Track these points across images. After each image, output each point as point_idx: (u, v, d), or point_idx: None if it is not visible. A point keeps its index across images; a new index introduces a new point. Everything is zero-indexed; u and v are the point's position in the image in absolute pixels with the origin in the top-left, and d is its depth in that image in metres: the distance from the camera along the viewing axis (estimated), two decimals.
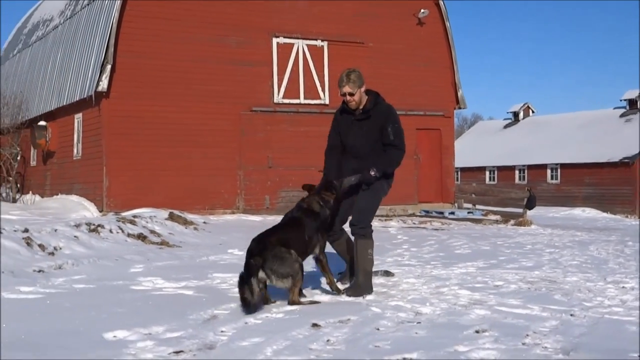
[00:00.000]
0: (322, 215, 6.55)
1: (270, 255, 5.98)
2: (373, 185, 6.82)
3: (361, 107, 6.99)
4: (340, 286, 6.76)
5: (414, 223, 18.35)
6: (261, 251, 5.99)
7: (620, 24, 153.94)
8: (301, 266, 6.11)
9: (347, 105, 7.03)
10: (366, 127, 6.93)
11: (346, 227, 7.14)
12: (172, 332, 4.92)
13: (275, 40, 20.45)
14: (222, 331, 4.99)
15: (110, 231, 10.99)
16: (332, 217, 6.79)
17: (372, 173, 6.75)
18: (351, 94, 6.90)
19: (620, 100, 45.46)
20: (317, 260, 6.58)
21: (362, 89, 6.97)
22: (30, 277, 7.41)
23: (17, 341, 4.60)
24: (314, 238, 6.41)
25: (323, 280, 6.86)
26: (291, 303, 6.01)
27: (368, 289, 6.65)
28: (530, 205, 20.79)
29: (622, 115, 44.27)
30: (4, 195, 21.50)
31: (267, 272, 5.93)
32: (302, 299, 6.19)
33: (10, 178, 21.81)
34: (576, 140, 43.97)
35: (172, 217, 13.97)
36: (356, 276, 6.77)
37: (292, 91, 20.65)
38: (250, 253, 6.04)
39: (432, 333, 4.99)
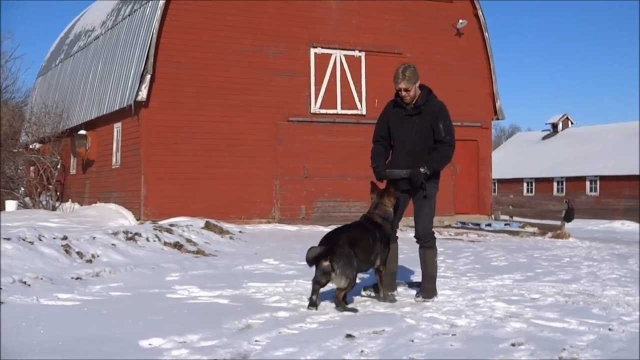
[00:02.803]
0: (385, 227, 6.80)
1: (339, 251, 6.27)
2: (428, 192, 6.96)
3: (414, 102, 7.11)
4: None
5: (450, 234, 18.23)
6: (331, 246, 6.31)
7: None
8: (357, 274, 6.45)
9: (400, 100, 7.15)
10: (418, 122, 7.05)
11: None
12: (206, 341, 4.95)
13: (313, 51, 20.53)
14: (256, 340, 5.00)
15: (147, 239, 11.10)
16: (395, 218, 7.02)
17: (422, 170, 6.84)
18: (407, 90, 7.05)
19: None
20: (377, 271, 6.84)
21: (417, 85, 7.11)
22: (68, 284, 7.51)
23: (54, 347, 4.66)
24: (376, 247, 6.66)
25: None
26: (337, 304, 6.28)
27: (435, 292, 7.10)
28: (568, 217, 20.53)
29: None
30: (44, 202, 21.82)
31: (333, 265, 6.22)
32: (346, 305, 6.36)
33: (51, 186, 22.13)
34: (615, 152, 43.37)
35: (208, 226, 14.05)
36: (423, 282, 7.15)
37: (329, 101, 20.69)
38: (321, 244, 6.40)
39: (467, 346, 4.94)
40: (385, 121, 7.30)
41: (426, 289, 7.09)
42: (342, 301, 6.32)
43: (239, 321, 5.65)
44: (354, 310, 6.29)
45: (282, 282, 8.08)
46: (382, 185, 7.05)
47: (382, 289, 6.88)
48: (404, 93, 7.07)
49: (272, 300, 6.78)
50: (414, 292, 7.36)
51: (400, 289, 7.48)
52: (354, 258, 6.35)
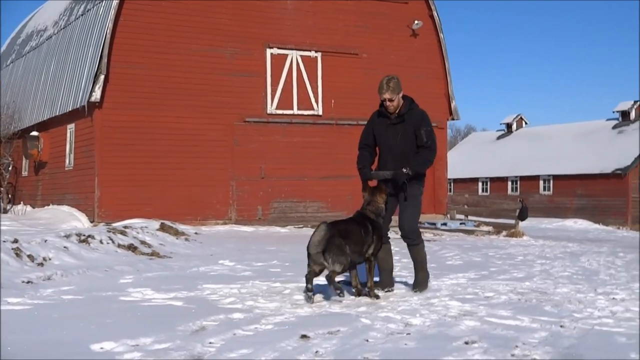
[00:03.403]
0: (377, 222, 7.25)
1: (331, 241, 6.74)
2: (411, 194, 7.44)
3: (397, 111, 7.51)
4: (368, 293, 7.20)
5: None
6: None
7: (614, 35, 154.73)
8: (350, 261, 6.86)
9: (385, 110, 7.55)
10: (401, 130, 7.46)
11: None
12: (159, 344, 4.89)
13: (269, 51, 20.49)
14: (210, 342, 4.96)
15: (101, 242, 10.96)
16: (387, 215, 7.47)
17: (405, 171, 7.26)
18: (391, 100, 7.44)
19: (613, 112, 45.66)
20: (367, 260, 7.18)
21: (400, 95, 7.49)
22: (19, 288, 7.37)
23: (3, 353, 4.57)
24: (368, 240, 7.08)
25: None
26: (329, 280, 6.73)
27: (427, 284, 7.63)
28: (522, 216, 20.80)
29: (614, 127, 44.46)
30: None
31: (325, 256, 6.70)
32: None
33: (2, 188, 21.73)
34: (569, 151, 44.11)
35: (163, 227, 13.94)
36: (416, 275, 7.67)
37: (285, 102, 20.67)
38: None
39: (422, 344, 4.96)
40: (371, 129, 7.71)
41: (420, 280, 7.63)
42: (333, 280, 6.74)
43: (193, 323, 5.60)
44: (341, 290, 6.71)
45: (237, 284, 8.04)
46: (373, 185, 7.42)
47: (370, 278, 7.16)
48: (388, 103, 7.46)
49: (227, 302, 6.74)
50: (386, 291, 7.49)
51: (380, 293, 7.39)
52: (346, 247, 6.77)
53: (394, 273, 7.86)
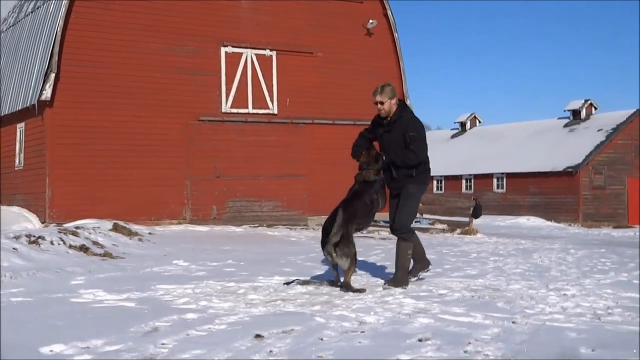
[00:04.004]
0: (377, 182, 7.92)
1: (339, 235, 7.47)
2: (408, 191, 7.85)
3: (389, 117, 7.87)
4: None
5: (362, 232, 18.36)
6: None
7: (564, 35, 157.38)
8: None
9: (378, 113, 7.95)
10: (393, 136, 7.86)
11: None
12: (110, 346, 4.81)
13: (223, 50, 20.37)
14: (162, 343, 4.90)
15: (51, 243, 10.77)
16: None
17: (383, 157, 7.87)
18: (382, 103, 7.80)
19: (564, 111, 46.39)
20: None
21: (393, 101, 7.82)
22: None
23: None
24: (374, 201, 7.85)
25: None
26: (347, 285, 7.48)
27: (405, 282, 7.81)
28: (476, 214, 21.02)
29: (566, 125, 45.18)
30: None
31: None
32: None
33: None
34: (521, 149, 44.70)
35: (116, 228, 13.76)
36: (395, 271, 7.95)
37: (240, 101, 20.57)
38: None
39: (375, 342, 4.97)
40: (373, 126, 8.15)
41: (395, 277, 7.90)
42: (349, 284, 7.50)
43: (146, 324, 5.53)
44: (362, 290, 7.46)
45: (191, 284, 7.96)
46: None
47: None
48: (379, 106, 7.81)
49: (181, 302, 6.67)
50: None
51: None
52: (352, 236, 7.62)
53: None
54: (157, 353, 4.65)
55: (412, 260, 8.11)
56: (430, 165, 8.15)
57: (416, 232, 8.54)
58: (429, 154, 8.03)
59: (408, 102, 23.18)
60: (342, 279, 7.67)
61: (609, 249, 15.13)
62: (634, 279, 9.12)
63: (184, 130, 19.63)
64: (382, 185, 7.97)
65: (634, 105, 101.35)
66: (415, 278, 8.20)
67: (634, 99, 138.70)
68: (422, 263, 8.34)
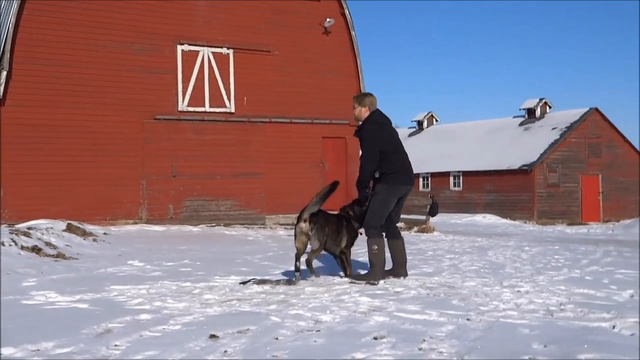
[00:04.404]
0: (351, 221, 8.56)
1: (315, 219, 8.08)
2: (374, 191, 8.34)
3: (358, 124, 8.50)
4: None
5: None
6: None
7: (520, 35, 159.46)
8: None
9: None
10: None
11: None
12: (62, 348, 4.73)
13: (180, 48, 20.21)
14: (115, 345, 4.83)
15: (2, 244, 10.56)
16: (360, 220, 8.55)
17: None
18: (353, 107, 8.47)
19: (520, 110, 46.96)
20: (342, 252, 8.50)
21: (364, 109, 8.41)
22: None
23: None
24: (342, 232, 8.43)
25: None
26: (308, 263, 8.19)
27: (368, 278, 8.12)
28: (433, 212, 21.19)
29: (521, 124, 45.73)
30: None
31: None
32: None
33: None
34: (478, 148, 45.14)
35: (70, 228, 13.56)
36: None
37: (197, 99, 20.44)
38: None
39: (331, 341, 4.96)
40: None
41: (359, 273, 8.47)
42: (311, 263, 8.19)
43: (98, 326, 5.45)
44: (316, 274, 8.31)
45: (146, 284, 7.87)
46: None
47: (348, 268, 8.54)
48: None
49: (135, 303, 6.59)
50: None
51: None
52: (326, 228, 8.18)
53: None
54: (110, 355, 4.58)
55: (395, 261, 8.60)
56: (397, 167, 8.38)
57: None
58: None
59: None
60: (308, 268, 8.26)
61: (563, 246, 15.37)
62: (587, 275, 9.26)
63: (140, 129, 19.43)
64: (355, 229, 8.62)
65: (588, 103, 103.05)
66: (383, 281, 8.21)
67: (587, 97, 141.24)
68: (398, 270, 8.58)
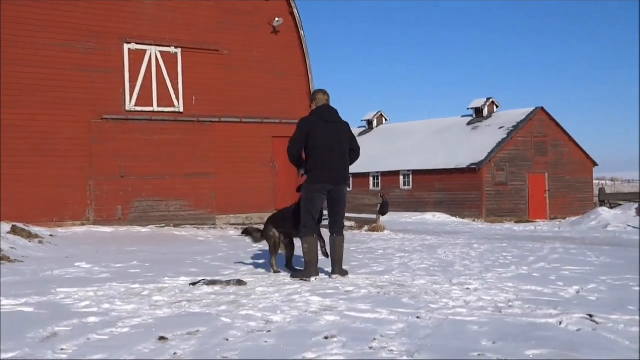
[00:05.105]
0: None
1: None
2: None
3: None
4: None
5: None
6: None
7: (467, 36, 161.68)
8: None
9: None
10: None
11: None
12: (6, 353, 4.62)
13: (126, 46, 19.94)
14: (62, 349, 4.74)
15: None
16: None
17: None
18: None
19: (468, 109, 47.56)
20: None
21: (312, 105, 8.82)
22: None
23: None
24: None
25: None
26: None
27: (305, 275, 8.39)
28: (383, 211, 21.27)
29: (469, 123, 46.32)
30: None
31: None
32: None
33: None
34: (427, 147, 45.58)
35: (14, 230, 13.28)
36: None
37: (145, 99, 20.19)
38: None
39: (281, 341, 4.95)
40: None
41: (296, 270, 8.86)
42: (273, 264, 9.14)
43: (44, 329, 5.33)
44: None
45: (94, 286, 7.75)
46: None
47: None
48: None
49: (82, 306, 6.47)
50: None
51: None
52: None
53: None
54: (56, 359, 4.49)
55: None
56: (318, 165, 8.46)
57: (324, 229, 8.70)
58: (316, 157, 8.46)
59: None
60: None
61: (511, 244, 15.59)
62: (534, 272, 9.42)
63: (86, 129, 19.12)
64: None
65: (534, 103, 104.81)
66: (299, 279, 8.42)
67: (533, 97, 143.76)
68: (332, 267, 8.73)
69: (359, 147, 8.94)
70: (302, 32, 23.04)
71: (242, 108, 21.59)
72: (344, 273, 8.61)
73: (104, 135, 19.38)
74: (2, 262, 10.35)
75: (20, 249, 11.75)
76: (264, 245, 9.91)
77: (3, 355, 4.57)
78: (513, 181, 42.09)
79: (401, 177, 45.53)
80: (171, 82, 20.64)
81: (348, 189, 9.42)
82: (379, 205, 21.51)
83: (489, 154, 41.29)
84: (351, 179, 48.60)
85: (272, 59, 22.41)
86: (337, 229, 8.66)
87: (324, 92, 8.80)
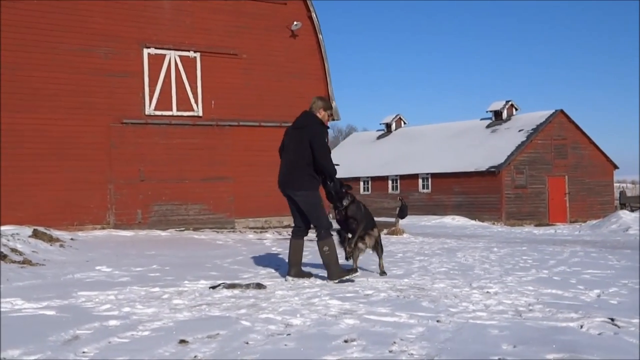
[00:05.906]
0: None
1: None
2: None
3: None
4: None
5: (289, 234, 18.34)
6: None
7: (486, 38, 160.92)
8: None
9: None
10: None
11: None
12: (28, 356, 4.66)
13: (146, 51, 20.05)
14: (83, 352, 4.77)
15: None
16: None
17: None
18: None
19: (487, 112, 47.36)
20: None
21: (319, 113, 8.93)
22: None
23: None
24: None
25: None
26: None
27: (340, 275, 8.49)
28: (402, 214, 21.13)
29: (488, 126, 46.12)
30: None
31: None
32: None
33: None
34: (446, 150, 45.41)
35: (36, 234, 13.37)
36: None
37: (164, 103, 20.28)
38: None
39: (301, 344, 4.95)
40: None
41: (330, 272, 8.65)
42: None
43: (66, 332, 5.37)
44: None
45: (114, 290, 7.79)
46: None
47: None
48: None
49: (103, 309, 6.51)
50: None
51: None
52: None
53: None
54: None
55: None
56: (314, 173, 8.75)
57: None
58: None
59: (333, 104, 23.32)
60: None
61: (531, 247, 15.52)
62: (555, 275, 9.37)
63: (106, 133, 19.24)
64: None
65: (553, 105, 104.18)
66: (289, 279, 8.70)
67: (553, 99, 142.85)
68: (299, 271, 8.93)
69: (323, 152, 8.59)
70: (320, 36, 23.05)
71: (260, 112, 21.63)
72: (332, 278, 8.48)
73: (123, 140, 19.50)
74: (24, 265, 10.43)
75: (41, 253, 11.83)
76: (284, 248, 9.93)
77: (24, 358, 4.61)
78: (533, 184, 41.85)
79: (420, 180, 45.40)
80: (190, 86, 20.73)
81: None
82: (397, 209, 21.46)
83: (509, 156, 41.09)
84: (370, 182, 48.54)
85: (291, 62, 22.44)
86: (317, 234, 8.70)
87: (314, 99, 9.14)
